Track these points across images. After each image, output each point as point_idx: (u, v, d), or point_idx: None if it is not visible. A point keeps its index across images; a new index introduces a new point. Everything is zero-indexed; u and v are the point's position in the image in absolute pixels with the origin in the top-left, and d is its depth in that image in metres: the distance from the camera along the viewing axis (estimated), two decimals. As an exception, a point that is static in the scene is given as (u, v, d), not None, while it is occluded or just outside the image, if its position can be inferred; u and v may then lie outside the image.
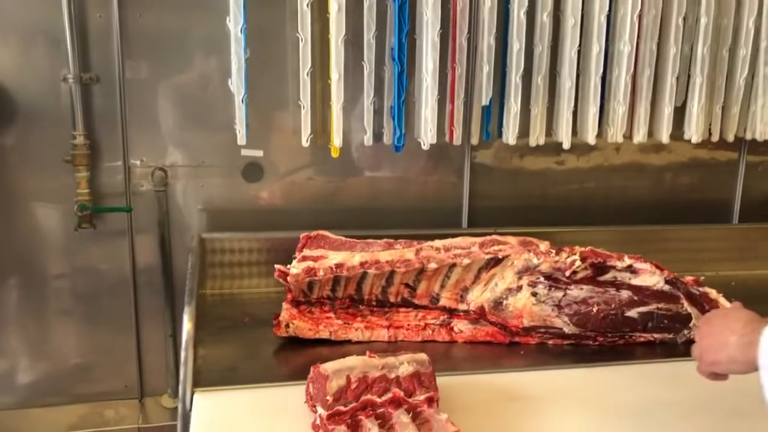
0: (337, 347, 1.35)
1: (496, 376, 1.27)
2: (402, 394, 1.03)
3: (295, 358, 1.33)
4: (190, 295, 1.18)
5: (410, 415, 1.01)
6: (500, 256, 1.37)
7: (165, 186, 1.66)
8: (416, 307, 1.42)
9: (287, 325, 1.34)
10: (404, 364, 1.07)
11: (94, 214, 1.63)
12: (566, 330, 1.37)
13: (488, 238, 1.40)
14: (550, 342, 1.38)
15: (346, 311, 1.40)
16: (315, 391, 1.06)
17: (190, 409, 1.15)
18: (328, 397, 1.01)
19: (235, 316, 1.47)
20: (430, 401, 1.04)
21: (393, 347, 1.36)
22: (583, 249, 1.39)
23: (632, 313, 1.37)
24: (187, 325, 1.12)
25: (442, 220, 1.82)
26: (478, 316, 1.41)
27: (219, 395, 1.17)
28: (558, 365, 1.33)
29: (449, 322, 1.40)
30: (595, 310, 1.36)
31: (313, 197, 1.74)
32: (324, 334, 1.35)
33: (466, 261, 1.36)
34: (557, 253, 1.37)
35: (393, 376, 1.05)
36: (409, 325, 1.38)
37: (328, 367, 1.06)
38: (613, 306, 1.37)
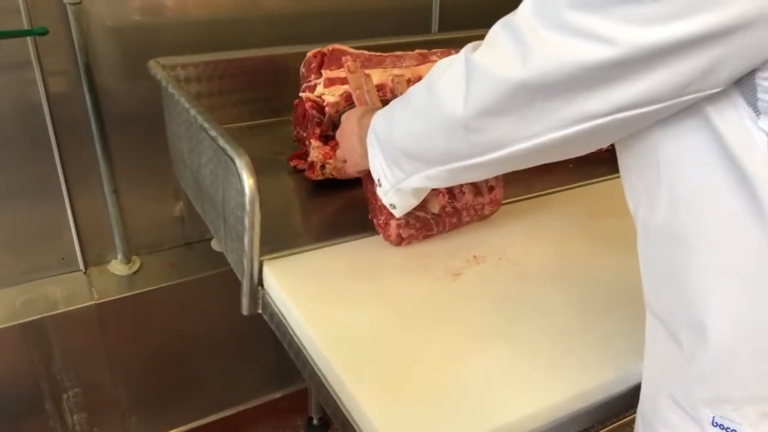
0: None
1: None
2: None
3: (337, 200, 1.12)
4: (230, 142, 0.87)
5: None
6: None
7: (79, -5, 1.23)
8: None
9: (323, 167, 1.10)
10: None
11: (-13, 41, 1.18)
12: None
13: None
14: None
15: (381, 142, 1.18)
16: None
17: (260, 284, 0.92)
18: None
19: (234, 161, 1.18)
20: None
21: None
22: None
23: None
24: (248, 182, 0.84)
25: (408, 26, 1.60)
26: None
27: (288, 261, 0.94)
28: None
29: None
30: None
31: (237, 5, 1.41)
32: (366, 171, 1.14)
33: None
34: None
35: None
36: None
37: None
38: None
